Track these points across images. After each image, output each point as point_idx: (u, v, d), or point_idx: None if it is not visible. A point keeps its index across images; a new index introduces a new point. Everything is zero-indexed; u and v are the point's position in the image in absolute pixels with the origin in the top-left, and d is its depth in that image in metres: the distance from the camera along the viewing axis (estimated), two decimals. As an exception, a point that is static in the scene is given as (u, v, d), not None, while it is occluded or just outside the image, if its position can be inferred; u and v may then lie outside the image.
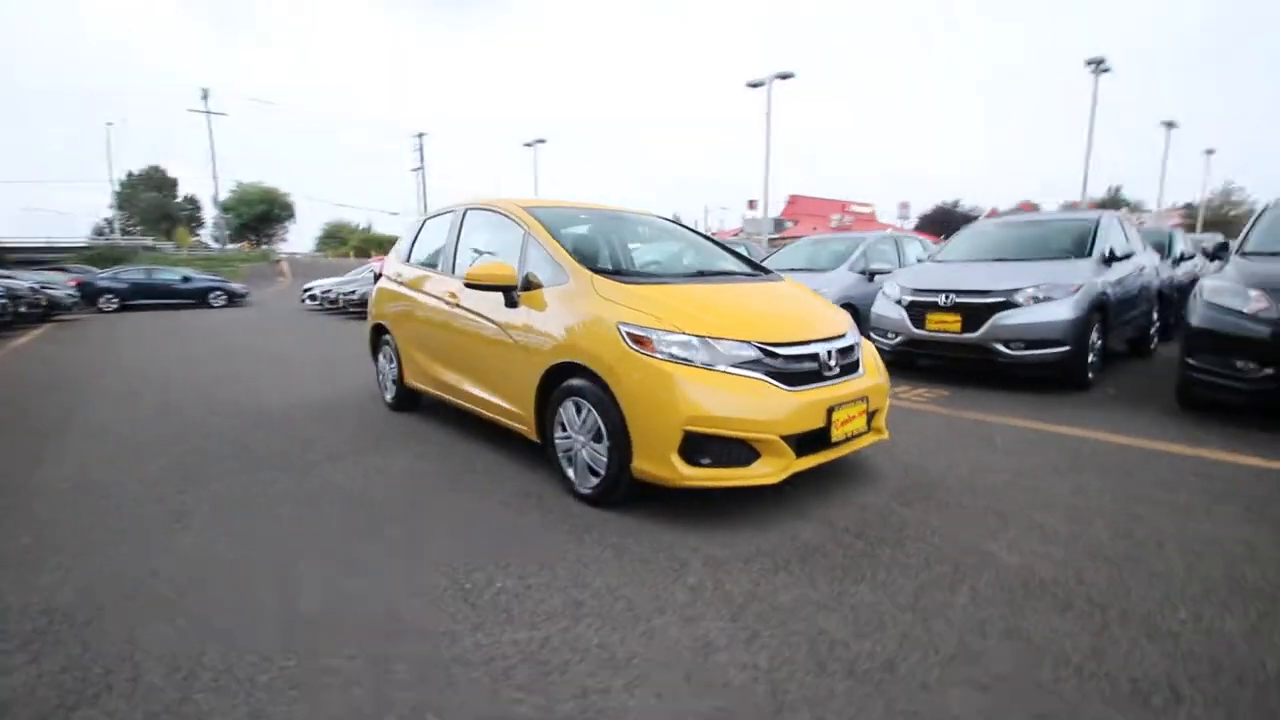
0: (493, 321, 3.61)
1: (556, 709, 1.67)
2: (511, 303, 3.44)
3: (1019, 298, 5.45)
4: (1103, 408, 4.91)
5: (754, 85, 21.96)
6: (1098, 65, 20.24)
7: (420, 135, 42.42)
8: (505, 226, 3.90)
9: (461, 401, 4.12)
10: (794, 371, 2.84)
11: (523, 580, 2.34)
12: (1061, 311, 5.32)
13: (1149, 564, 2.41)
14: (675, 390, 2.65)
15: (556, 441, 3.21)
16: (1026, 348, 5.37)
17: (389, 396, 5.10)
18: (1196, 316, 4.43)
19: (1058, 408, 4.90)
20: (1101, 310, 5.67)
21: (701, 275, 3.58)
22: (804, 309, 3.35)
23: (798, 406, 2.73)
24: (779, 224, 45.15)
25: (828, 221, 46.36)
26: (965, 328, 5.61)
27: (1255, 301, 4.09)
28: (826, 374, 2.96)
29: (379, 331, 5.21)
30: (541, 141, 33.48)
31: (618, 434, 2.82)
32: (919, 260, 8.75)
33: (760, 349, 2.80)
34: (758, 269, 3.97)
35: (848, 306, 6.83)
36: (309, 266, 38.80)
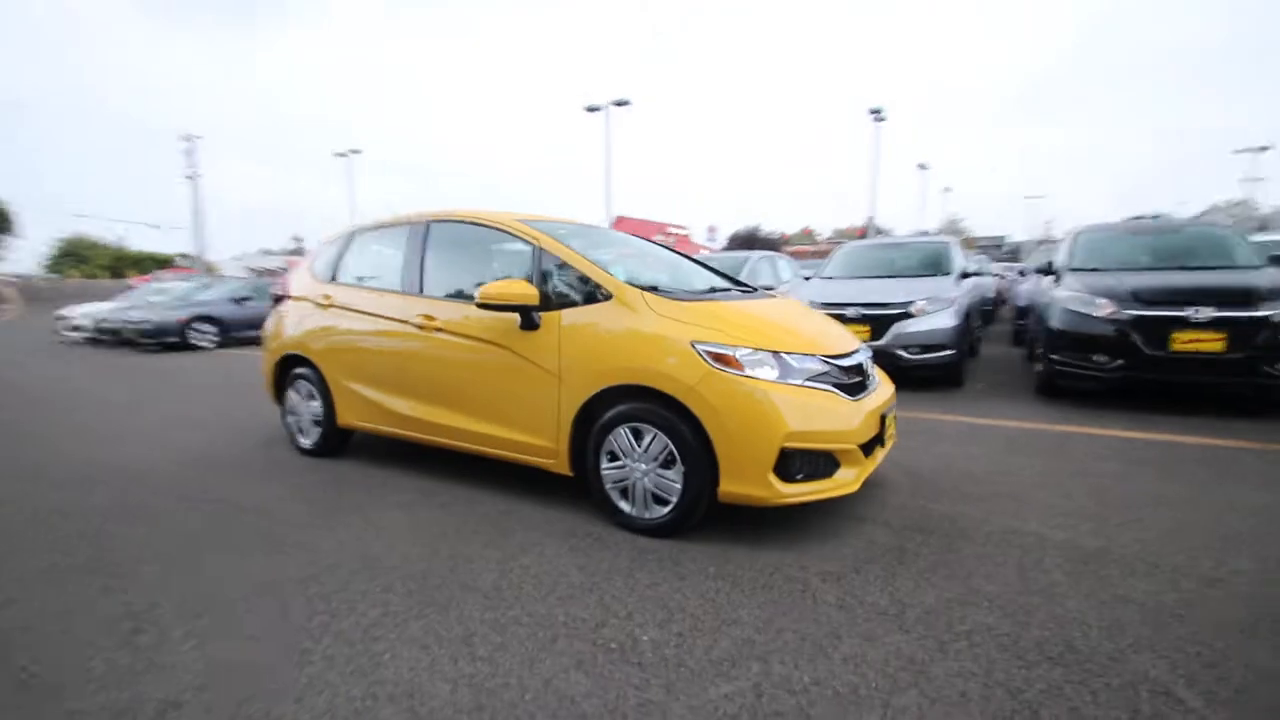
0: (500, 345, 3.22)
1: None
2: (531, 324, 3.11)
3: (913, 309, 6.22)
4: (986, 400, 5.78)
5: (592, 110, 22.44)
6: (877, 114, 24.17)
7: (189, 139, 36.28)
8: (499, 241, 3.53)
9: (434, 438, 3.61)
10: (850, 383, 2.94)
11: (664, 628, 2.11)
12: (947, 320, 6.18)
13: (1152, 525, 2.89)
14: (771, 408, 2.59)
15: (604, 472, 2.95)
16: (922, 352, 6.15)
17: (307, 441, 4.29)
18: (1057, 320, 5.43)
19: (952, 402, 5.67)
20: (967, 318, 6.71)
21: (715, 291, 3.56)
22: (826, 323, 3.48)
23: (864, 415, 2.83)
24: (606, 244, 46.21)
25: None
26: (873, 336, 6.25)
27: (1104, 307, 5.13)
28: (869, 383, 3.11)
29: (289, 365, 4.37)
30: (356, 152, 30.76)
31: (695, 457, 2.68)
32: (790, 278, 9.62)
33: (825, 361, 2.85)
34: (748, 286, 4.05)
35: None
36: (51, 290, 31.36)
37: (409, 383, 3.66)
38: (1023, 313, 9.49)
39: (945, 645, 1.99)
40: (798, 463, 2.63)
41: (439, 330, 3.49)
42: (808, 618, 2.17)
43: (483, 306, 3.11)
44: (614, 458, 2.92)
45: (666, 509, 2.80)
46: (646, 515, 2.86)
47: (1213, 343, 4.67)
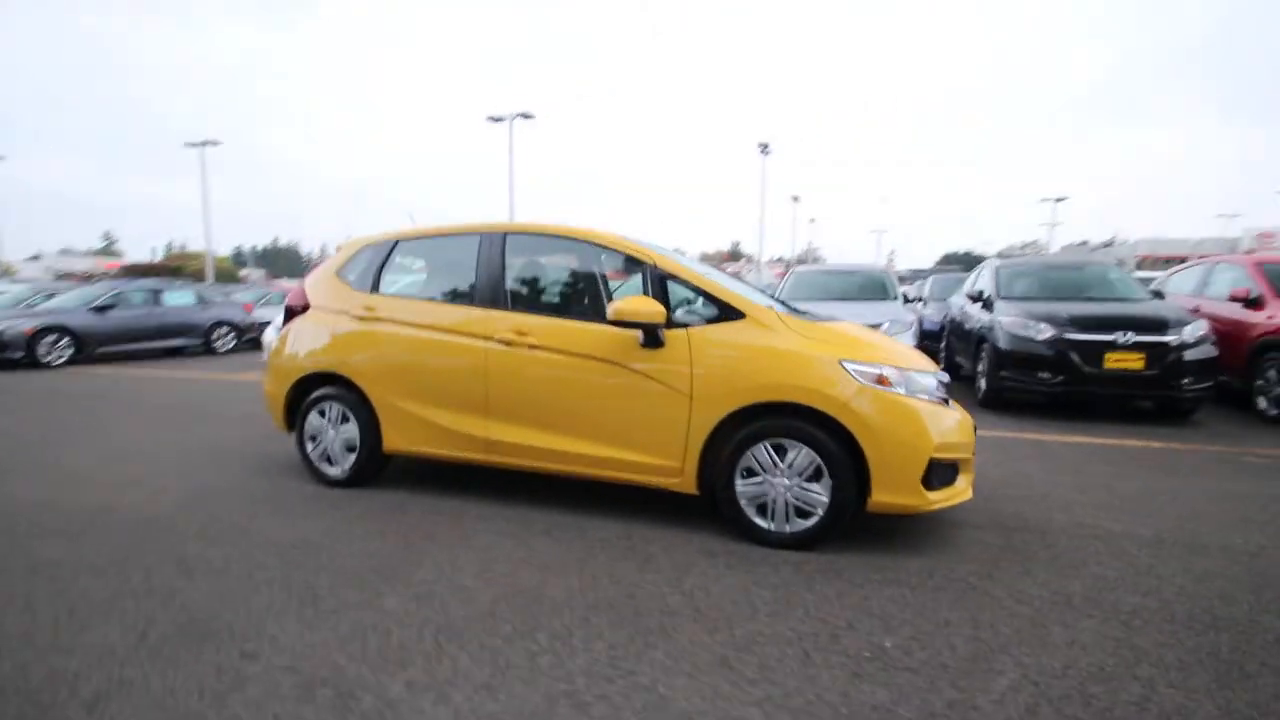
0: (616, 364, 3.16)
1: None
2: (656, 342, 3.09)
3: (882, 330, 6.85)
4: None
5: (495, 120, 21.94)
6: (765, 147, 26.06)
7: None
8: (595, 256, 3.46)
9: (522, 463, 3.43)
10: (944, 396, 3.25)
11: (894, 634, 2.23)
12: (910, 341, 6.87)
13: (1170, 513, 3.47)
14: (920, 422, 2.81)
15: (739, 489, 3.00)
16: (887, 369, 6.78)
17: (336, 470, 3.85)
18: (1004, 343, 6.26)
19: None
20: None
21: (803, 312, 3.72)
22: (894, 340, 3.79)
23: (970, 426, 3.15)
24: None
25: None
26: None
27: (1045, 331, 6.02)
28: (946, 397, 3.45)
29: (309, 385, 3.90)
30: (213, 144, 27.40)
31: (844, 470, 2.83)
32: None
33: (935, 378, 3.14)
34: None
35: None
36: None
37: (492, 404, 3.44)
38: (928, 336, 10.72)
39: (1129, 623, 2.30)
40: (937, 473, 2.87)
41: (534, 347, 3.33)
42: (1002, 612, 2.38)
43: (614, 324, 3.05)
44: (750, 474, 2.99)
45: (810, 521, 2.91)
46: (787, 529, 2.95)
47: (1135, 362, 5.67)
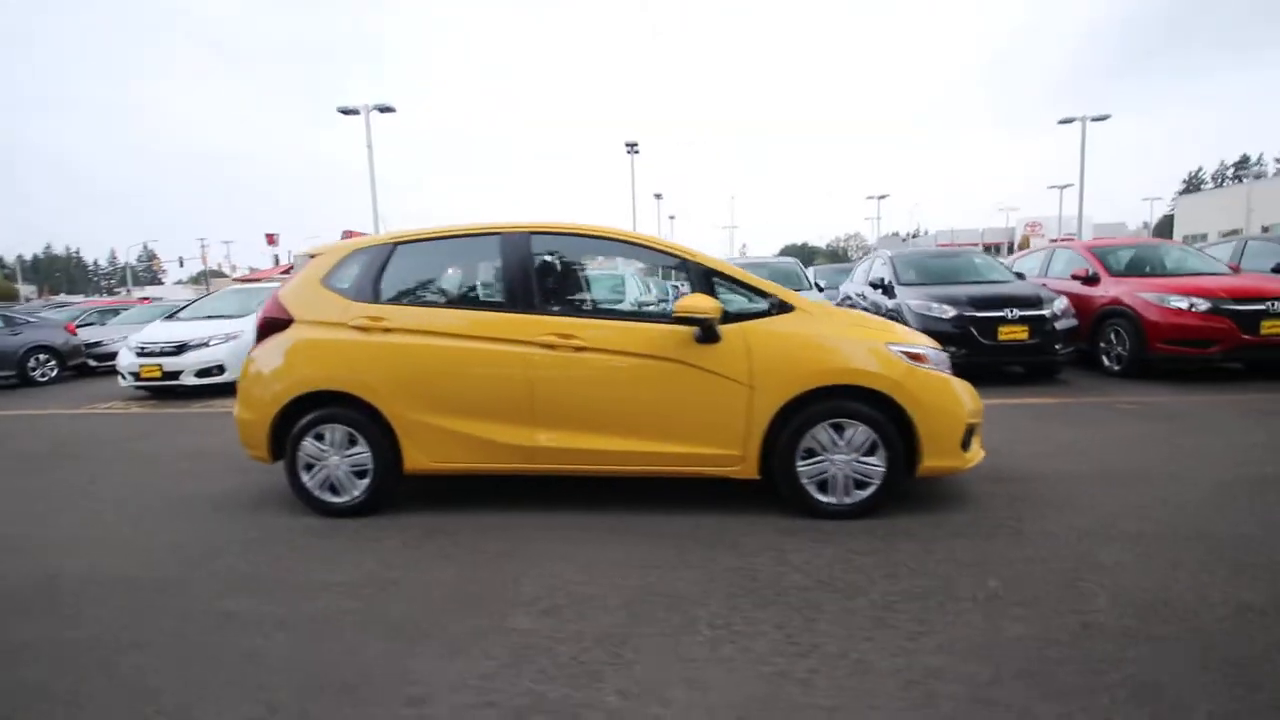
0: (673, 360, 3.21)
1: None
2: (714, 337, 3.18)
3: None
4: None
5: (347, 112, 20.20)
6: (632, 146, 26.63)
7: None
8: (629, 255, 3.46)
9: (573, 467, 3.38)
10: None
11: (993, 578, 2.55)
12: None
13: (1103, 452, 4.23)
14: (955, 394, 3.20)
15: (800, 469, 3.20)
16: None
17: (340, 497, 3.50)
18: (914, 322, 7.09)
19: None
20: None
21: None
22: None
23: (977, 394, 3.61)
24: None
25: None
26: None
27: (948, 311, 6.93)
28: None
29: (304, 407, 3.49)
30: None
31: (897, 442, 3.14)
32: None
33: (943, 353, 3.56)
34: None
35: None
36: None
37: (538, 410, 3.32)
38: None
39: (1178, 562, 2.80)
40: (967, 437, 3.28)
41: (581, 349, 3.28)
42: (1052, 546, 2.81)
43: (676, 320, 3.10)
44: (809, 454, 3.20)
45: (867, 491, 3.19)
46: (847, 500, 3.21)
47: (1021, 333, 6.73)
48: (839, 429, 3.17)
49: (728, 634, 2.20)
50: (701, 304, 3.11)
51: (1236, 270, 7.73)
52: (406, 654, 2.15)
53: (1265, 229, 35.81)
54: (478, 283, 3.53)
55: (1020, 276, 8.23)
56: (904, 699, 1.83)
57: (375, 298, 3.55)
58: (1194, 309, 6.61)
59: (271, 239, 55.23)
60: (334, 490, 3.53)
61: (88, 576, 2.86)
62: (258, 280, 15.56)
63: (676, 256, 3.39)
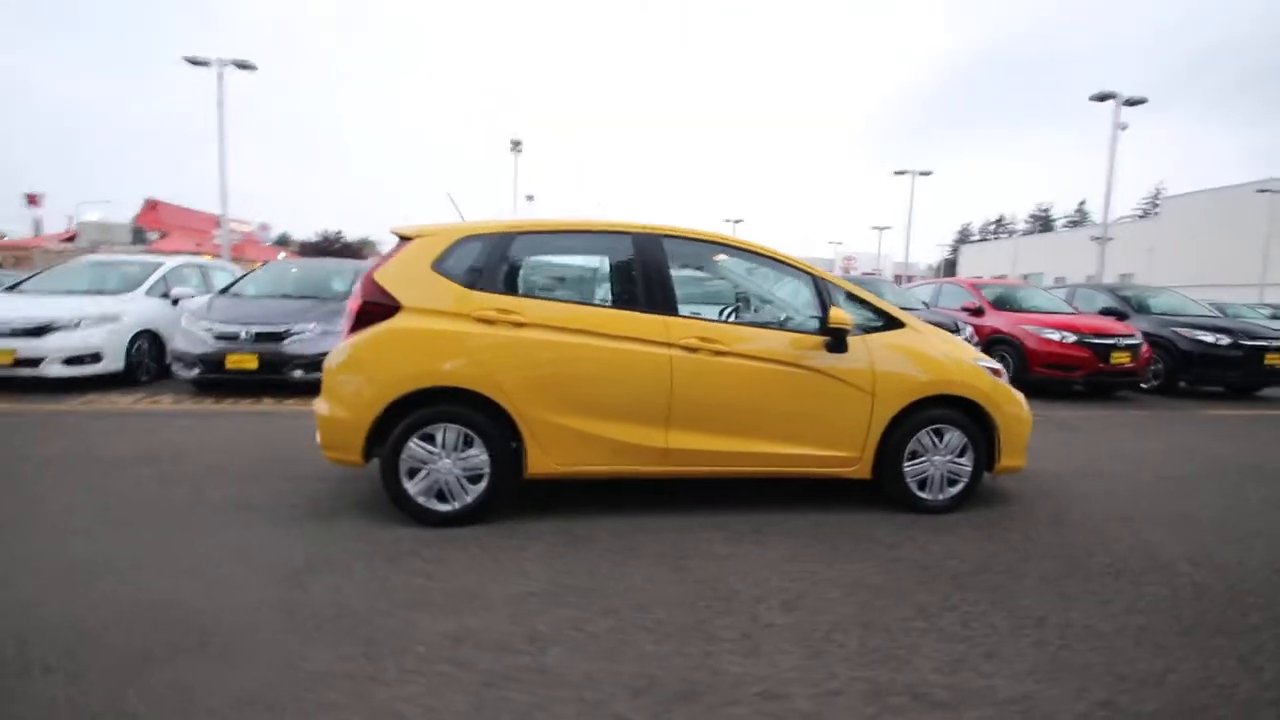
0: (803, 368, 3.42)
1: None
2: (843, 347, 3.45)
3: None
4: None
5: (196, 63, 17.41)
6: (517, 145, 26.01)
7: None
8: (755, 265, 3.61)
9: (695, 469, 3.44)
10: None
11: (1093, 558, 3.10)
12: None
13: (1063, 452, 5.18)
14: (1022, 403, 3.77)
15: (907, 469, 3.57)
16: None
17: (452, 506, 3.22)
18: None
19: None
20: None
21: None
22: None
23: None
24: (138, 234, 36.00)
25: (210, 237, 39.49)
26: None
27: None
28: None
29: (407, 406, 3.16)
30: None
31: (982, 446, 3.64)
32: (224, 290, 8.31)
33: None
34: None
35: (148, 334, 7.42)
36: None
37: (675, 412, 3.33)
38: None
39: (1140, 525, 3.58)
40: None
41: (720, 353, 3.36)
42: (1090, 536, 3.46)
43: (830, 330, 3.32)
44: (913, 456, 3.59)
45: (956, 489, 3.66)
46: (941, 497, 3.64)
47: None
48: (939, 433, 3.60)
49: (963, 613, 2.47)
50: (844, 316, 3.37)
51: (1077, 311, 9.71)
52: (710, 656, 2.13)
53: (1025, 276, 44.55)
54: (611, 281, 3.45)
55: (927, 306, 9.57)
56: (1136, 640, 2.23)
57: (497, 288, 3.32)
58: (1064, 340, 8.21)
59: (34, 200, 45.54)
60: (441, 497, 3.23)
61: (213, 611, 2.36)
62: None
63: (805, 272, 3.62)
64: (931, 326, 3.81)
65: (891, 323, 3.65)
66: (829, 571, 2.84)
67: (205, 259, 9.76)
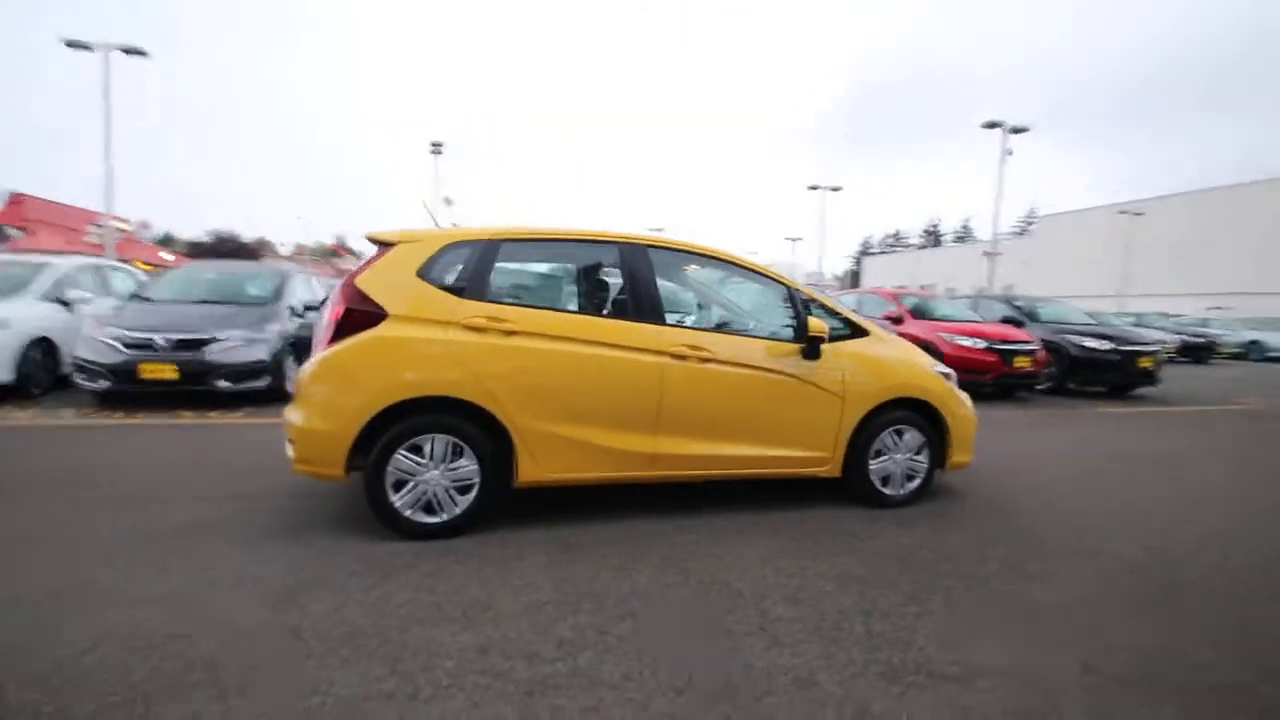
0: (783, 374, 3.60)
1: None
2: (817, 354, 3.66)
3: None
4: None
5: (76, 46, 15.72)
6: (437, 147, 25.16)
7: None
8: (737, 277, 3.76)
9: (680, 472, 3.54)
10: None
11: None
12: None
13: (997, 448, 5.68)
14: (969, 405, 4.12)
15: (872, 467, 3.83)
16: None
17: (440, 518, 3.15)
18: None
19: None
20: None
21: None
22: None
23: None
24: (-2, 233, 32.10)
25: (82, 235, 35.74)
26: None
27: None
28: None
29: (391, 417, 3.07)
30: None
31: (936, 444, 3.96)
32: (134, 294, 7.83)
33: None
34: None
35: (42, 342, 6.74)
36: None
37: (664, 417, 3.41)
38: None
39: (1071, 509, 4.03)
40: (970, 438, 4.26)
41: (707, 360, 3.48)
42: (1047, 517, 3.86)
43: (809, 339, 3.51)
44: (878, 454, 3.85)
45: (914, 484, 3.95)
46: (901, 492, 3.92)
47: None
48: (899, 433, 3.89)
49: (946, 596, 2.69)
50: (821, 325, 3.58)
51: (983, 319, 10.63)
52: (735, 650, 2.21)
53: (922, 286, 48.11)
54: (597, 290, 3.48)
55: (854, 313, 10.13)
56: (1097, 611, 2.53)
57: (485, 296, 3.28)
58: (975, 346, 8.98)
59: None
60: (429, 509, 3.14)
61: (216, 633, 2.20)
62: None
63: (781, 284, 3.80)
64: (891, 335, 4.11)
65: (857, 331, 3.90)
66: (818, 565, 3.00)
67: (102, 260, 8.84)
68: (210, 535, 3.10)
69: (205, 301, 7.25)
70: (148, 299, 7.19)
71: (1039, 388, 9.94)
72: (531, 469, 3.27)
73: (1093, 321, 11.37)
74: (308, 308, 7.96)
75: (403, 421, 3.08)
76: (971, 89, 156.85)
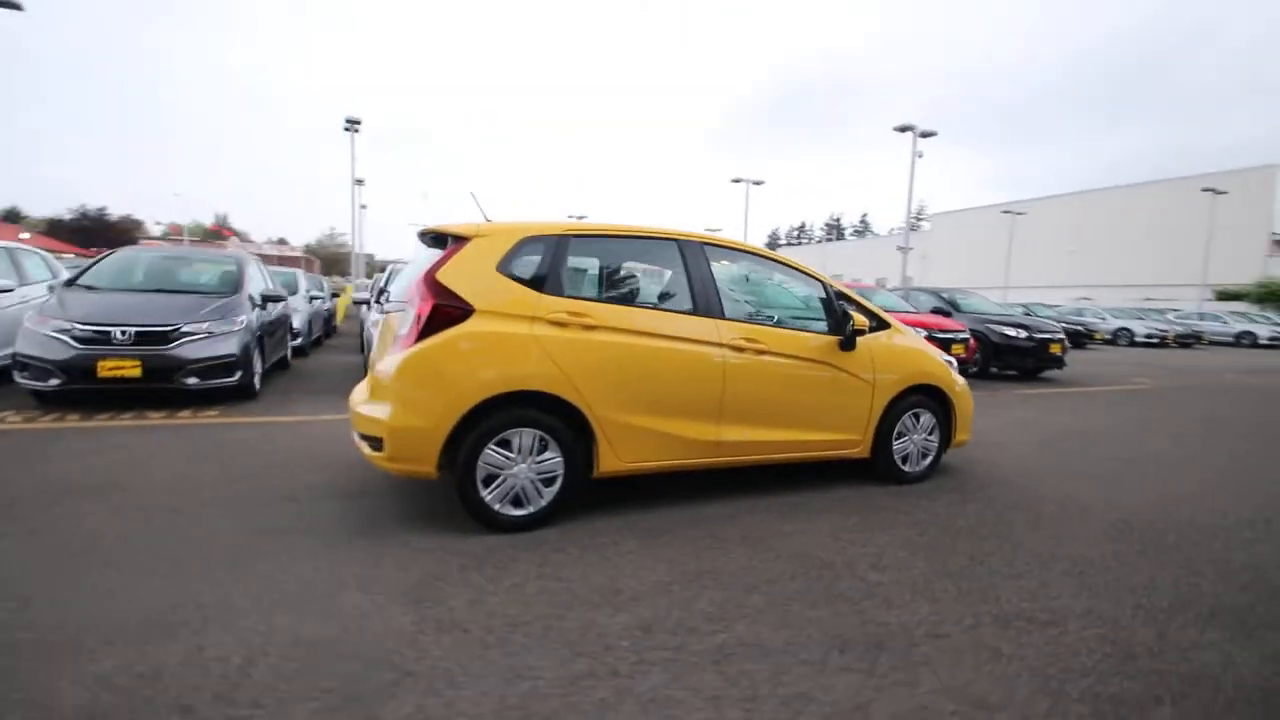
0: (825, 363, 3.91)
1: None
2: (853, 345, 3.99)
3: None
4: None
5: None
6: (354, 124, 23.68)
7: None
8: (779, 274, 4.00)
9: (742, 458, 3.77)
10: None
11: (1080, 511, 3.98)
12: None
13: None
14: (969, 390, 4.62)
15: (895, 447, 4.23)
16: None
17: (527, 511, 3.22)
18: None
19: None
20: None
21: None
22: None
23: None
24: None
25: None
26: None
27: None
28: None
29: (484, 411, 3.10)
30: None
31: (945, 425, 4.43)
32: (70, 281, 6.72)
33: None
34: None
35: None
36: None
37: (726, 406, 3.61)
38: None
39: (1036, 494, 4.64)
40: (968, 419, 4.76)
41: (762, 352, 3.72)
42: (1019, 495, 4.42)
43: (852, 335, 3.82)
44: (900, 435, 4.26)
45: (928, 461, 4.40)
46: (917, 470, 4.35)
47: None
48: (916, 416, 4.31)
49: (1002, 556, 3.08)
50: (863, 320, 3.91)
51: (915, 310, 11.55)
52: (863, 612, 2.48)
53: (838, 276, 50.99)
54: (665, 285, 3.61)
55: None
56: (1119, 561, 3.01)
57: (562, 291, 3.34)
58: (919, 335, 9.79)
59: None
60: (517, 503, 3.19)
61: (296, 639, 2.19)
62: None
63: (819, 280, 4.09)
64: (908, 327, 4.53)
65: (881, 324, 4.28)
66: (880, 537, 3.33)
67: (10, 243, 7.82)
68: (290, 538, 3.00)
69: (160, 290, 6.67)
70: (91, 287, 6.51)
71: (970, 373, 10.97)
72: (611, 459, 3.39)
73: (1007, 312, 12.64)
74: (266, 299, 7.51)
75: (490, 417, 3.12)
76: (864, 94, 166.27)
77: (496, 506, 3.15)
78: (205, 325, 6.13)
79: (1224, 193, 34.36)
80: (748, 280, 4.37)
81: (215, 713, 1.78)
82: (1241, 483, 4.67)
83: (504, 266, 3.27)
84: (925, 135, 24.02)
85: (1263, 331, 26.08)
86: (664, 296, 3.70)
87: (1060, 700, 1.97)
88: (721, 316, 3.69)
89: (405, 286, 3.84)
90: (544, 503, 3.25)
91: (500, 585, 2.61)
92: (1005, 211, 40.94)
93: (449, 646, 2.14)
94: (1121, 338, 23.08)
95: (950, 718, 1.87)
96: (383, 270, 11.90)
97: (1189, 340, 24.13)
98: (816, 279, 4.12)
